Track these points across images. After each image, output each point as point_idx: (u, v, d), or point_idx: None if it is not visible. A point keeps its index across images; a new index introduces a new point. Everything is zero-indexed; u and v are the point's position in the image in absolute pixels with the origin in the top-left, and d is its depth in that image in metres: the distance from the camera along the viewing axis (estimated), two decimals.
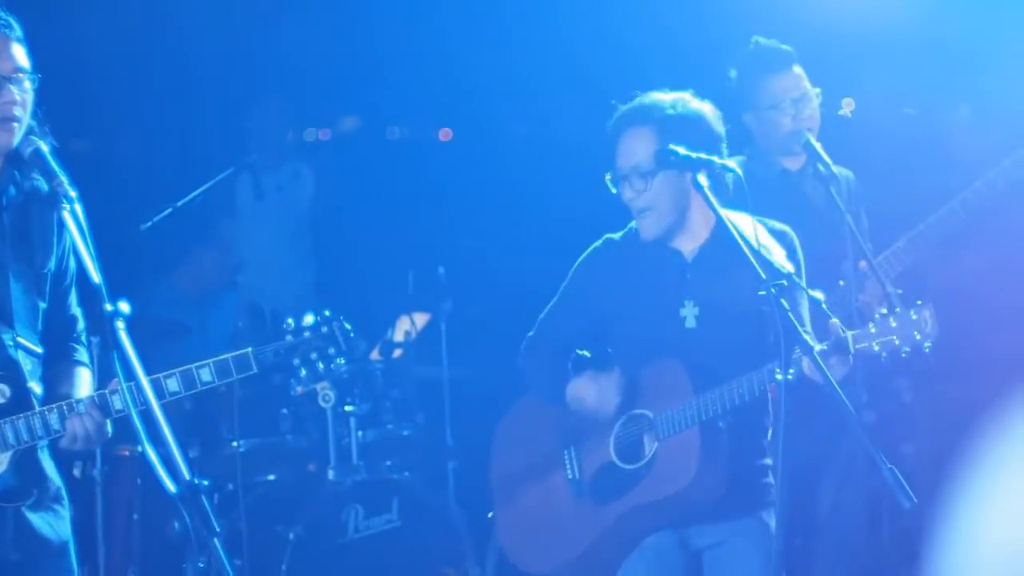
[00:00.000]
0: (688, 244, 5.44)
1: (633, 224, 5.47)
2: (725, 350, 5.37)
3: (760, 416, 5.37)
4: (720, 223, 5.09)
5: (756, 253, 4.99)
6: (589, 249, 5.61)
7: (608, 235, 5.59)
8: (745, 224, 5.20)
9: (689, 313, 5.40)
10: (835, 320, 5.04)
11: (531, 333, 5.70)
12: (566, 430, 5.58)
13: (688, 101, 5.36)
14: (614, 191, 5.40)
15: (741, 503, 5.35)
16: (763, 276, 4.80)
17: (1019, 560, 1.83)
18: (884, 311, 5.02)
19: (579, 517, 5.49)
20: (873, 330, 5.00)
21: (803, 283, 5.32)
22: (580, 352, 5.55)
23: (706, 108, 5.37)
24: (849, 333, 4.99)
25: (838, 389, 4.65)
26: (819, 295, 5.17)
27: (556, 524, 5.56)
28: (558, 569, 5.55)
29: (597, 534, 5.44)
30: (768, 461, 5.43)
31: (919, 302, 5.07)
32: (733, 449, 5.28)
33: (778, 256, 5.31)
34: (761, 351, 5.24)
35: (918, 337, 4.96)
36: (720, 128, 5.36)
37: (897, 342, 4.97)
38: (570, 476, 5.53)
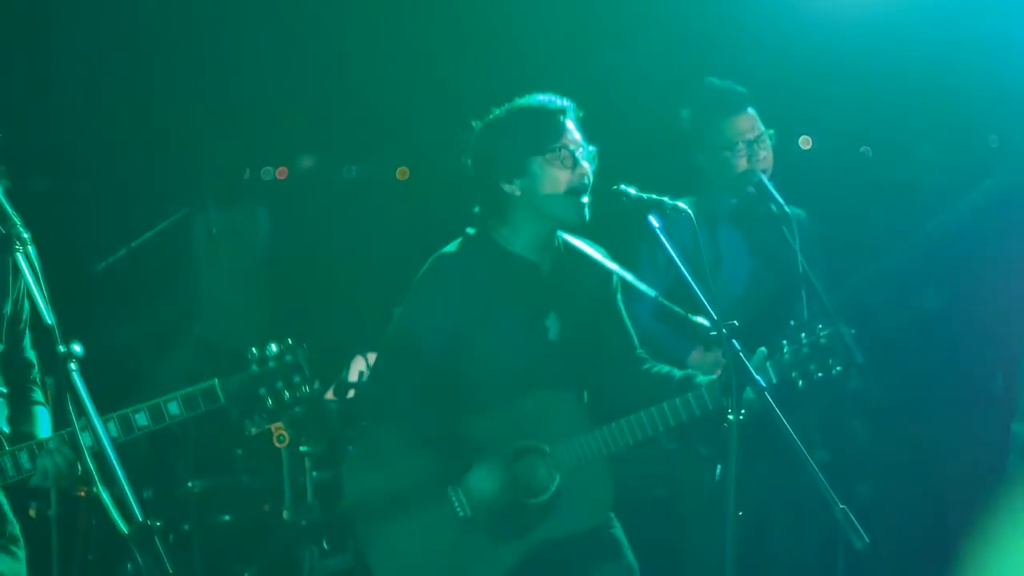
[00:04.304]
0: (543, 255, 5.49)
1: (466, 233, 5.58)
2: (585, 362, 5.47)
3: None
4: (673, 261, 5.04)
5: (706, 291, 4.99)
6: (431, 267, 5.54)
7: (443, 251, 5.57)
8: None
9: (552, 325, 5.43)
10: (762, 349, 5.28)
11: (382, 362, 5.59)
12: (443, 465, 5.41)
13: None
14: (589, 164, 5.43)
15: None
16: (714, 316, 4.77)
17: None
18: (803, 337, 5.26)
19: (478, 557, 5.34)
20: (788, 358, 5.20)
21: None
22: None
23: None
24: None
25: (789, 428, 4.66)
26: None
27: (452, 565, 5.38)
28: None
29: (501, 573, 5.34)
30: None
31: (820, 327, 5.24)
32: None
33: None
34: (619, 361, 5.49)
35: (830, 362, 5.24)
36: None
37: (812, 367, 5.23)
38: (461, 514, 5.34)
